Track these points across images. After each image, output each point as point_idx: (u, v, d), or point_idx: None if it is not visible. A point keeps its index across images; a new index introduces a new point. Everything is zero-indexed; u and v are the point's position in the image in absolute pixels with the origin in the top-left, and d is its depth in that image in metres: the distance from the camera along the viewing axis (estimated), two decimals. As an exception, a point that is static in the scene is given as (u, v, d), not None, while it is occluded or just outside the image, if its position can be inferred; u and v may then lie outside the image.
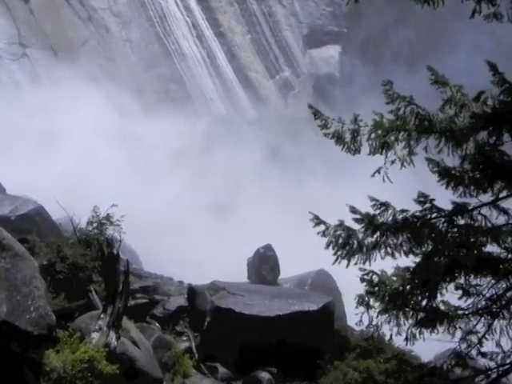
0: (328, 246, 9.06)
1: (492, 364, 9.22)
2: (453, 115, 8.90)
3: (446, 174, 8.90)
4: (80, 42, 46.26)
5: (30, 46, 43.98)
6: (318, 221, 9.11)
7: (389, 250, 9.01)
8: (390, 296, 9.08)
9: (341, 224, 9.09)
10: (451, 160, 9.00)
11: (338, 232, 9.03)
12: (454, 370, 9.40)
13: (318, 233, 9.08)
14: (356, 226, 9.13)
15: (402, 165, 9.01)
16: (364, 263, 9.04)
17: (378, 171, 9.00)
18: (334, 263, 9.08)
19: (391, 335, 9.34)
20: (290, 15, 56.58)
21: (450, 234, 8.82)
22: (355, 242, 8.99)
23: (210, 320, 19.17)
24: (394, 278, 9.22)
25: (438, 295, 9.12)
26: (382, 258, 9.08)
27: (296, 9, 56.90)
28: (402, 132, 8.93)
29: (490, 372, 9.18)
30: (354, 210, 9.08)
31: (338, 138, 9.12)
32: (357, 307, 9.32)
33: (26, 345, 11.06)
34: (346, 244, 9.00)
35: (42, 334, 11.20)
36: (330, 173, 43.53)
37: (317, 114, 9.18)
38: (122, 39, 47.65)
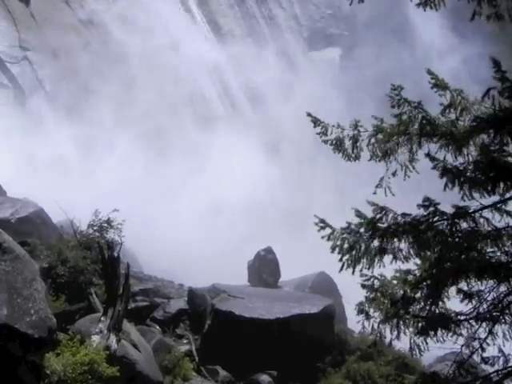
0: (333, 250, 8.89)
1: (494, 368, 9.16)
2: (454, 119, 8.86)
3: (448, 171, 8.80)
4: (81, 45, 46.28)
5: (30, 49, 43.98)
6: (323, 224, 8.92)
7: (392, 254, 8.90)
8: (391, 302, 8.98)
9: (348, 227, 8.92)
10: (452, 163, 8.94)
11: (345, 236, 8.88)
12: (455, 378, 9.30)
13: (323, 237, 8.88)
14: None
15: (405, 174, 8.93)
16: (369, 269, 8.90)
17: (380, 184, 8.91)
18: (340, 271, 8.88)
19: (391, 339, 9.25)
20: (290, 18, 56.59)
21: (452, 238, 8.75)
22: (362, 246, 8.83)
23: (211, 323, 19.19)
24: (395, 282, 9.15)
25: (444, 301, 9.01)
26: (390, 263, 8.93)
27: (296, 11, 56.94)
28: (403, 136, 8.88)
29: (491, 375, 9.13)
30: (359, 215, 8.95)
31: (338, 145, 9.03)
32: (358, 315, 9.22)
33: (26, 347, 11.06)
34: (352, 248, 8.83)
35: (42, 337, 11.21)
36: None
37: (316, 121, 9.12)
38: (122, 42, 47.66)
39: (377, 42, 51.17)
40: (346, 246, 8.82)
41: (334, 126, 9.06)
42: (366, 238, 8.83)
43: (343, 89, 48.90)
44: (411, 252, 8.89)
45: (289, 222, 37.42)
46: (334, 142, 9.06)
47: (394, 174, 8.95)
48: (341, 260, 8.86)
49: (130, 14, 48.68)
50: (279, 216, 39.03)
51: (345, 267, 8.86)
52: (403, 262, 8.95)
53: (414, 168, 8.97)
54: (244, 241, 31.99)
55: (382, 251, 8.86)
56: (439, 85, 8.85)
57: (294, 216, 35.95)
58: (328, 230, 8.90)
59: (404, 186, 9.44)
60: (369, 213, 8.96)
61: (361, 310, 9.10)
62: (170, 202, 36.99)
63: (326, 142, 9.08)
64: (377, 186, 8.95)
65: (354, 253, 8.82)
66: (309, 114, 9.13)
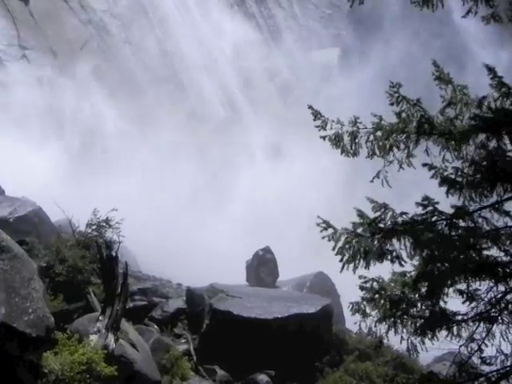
0: (337, 252, 8.79)
1: (491, 368, 9.14)
2: (453, 117, 8.84)
3: (445, 180, 8.81)
4: (80, 44, 46.27)
5: (29, 47, 43.98)
6: (325, 225, 8.90)
7: (393, 254, 8.86)
8: (390, 303, 8.94)
9: (352, 231, 8.84)
10: (451, 162, 8.92)
11: (346, 236, 8.82)
12: (456, 379, 9.27)
13: (324, 237, 8.84)
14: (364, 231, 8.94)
15: (401, 166, 8.95)
16: (368, 269, 8.86)
17: (378, 175, 8.93)
18: (341, 271, 8.84)
19: (401, 337, 9.19)
20: (289, 18, 56.59)
21: (451, 238, 8.73)
22: (363, 246, 8.79)
23: (209, 322, 19.18)
24: (393, 284, 9.11)
25: (442, 301, 8.97)
26: (390, 264, 8.89)
27: (295, 11, 56.92)
28: (401, 134, 8.87)
29: (489, 375, 9.11)
30: (361, 214, 8.94)
31: (336, 141, 9.03)
32: (353, 315, 9.19)
33: (24, 347, 11.05)
34: (353, 248, 8.76)
35: (40, 336, 11.20)
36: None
37: (317, 114, 9.12)
38: (121, 41, 47.68)
39: (382, 39, 50.97)
40: (347, 246, 8.81)
41: (333, 121, 9.06)
42: (367, 238, 8.81)
43: (342, 89, 48.88)
44: (412, 252, 8.87)
45: (293, 222, 37.41)
46: (332, 137, 9.06)
47: (389, 162, 8.96)
48: (341, 260, 8.84)
49: (130, 14, 48.71)
50: (281, 215, 39.01)
51: (346, 268, 8.84)
52: (403, 264, 8.94)
53: (411, 163, 8.97)
54: (244, 241, 31.99)
55: (382, 252, 8.85)
56: (442, 78, 8.82)
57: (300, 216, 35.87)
58: (330, 231, 8.88)
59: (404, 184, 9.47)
60: (369, 210, 8.96)
61: (357, 310, 9.07)
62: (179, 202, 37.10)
63: (324, 137, 9.08)
64: (374, 178, 8.96)
65: (355, 253, 8.79)
66: (310, 107, 9.13)
